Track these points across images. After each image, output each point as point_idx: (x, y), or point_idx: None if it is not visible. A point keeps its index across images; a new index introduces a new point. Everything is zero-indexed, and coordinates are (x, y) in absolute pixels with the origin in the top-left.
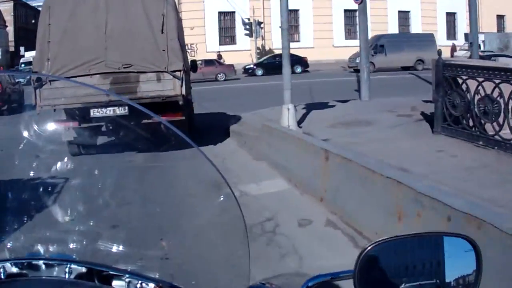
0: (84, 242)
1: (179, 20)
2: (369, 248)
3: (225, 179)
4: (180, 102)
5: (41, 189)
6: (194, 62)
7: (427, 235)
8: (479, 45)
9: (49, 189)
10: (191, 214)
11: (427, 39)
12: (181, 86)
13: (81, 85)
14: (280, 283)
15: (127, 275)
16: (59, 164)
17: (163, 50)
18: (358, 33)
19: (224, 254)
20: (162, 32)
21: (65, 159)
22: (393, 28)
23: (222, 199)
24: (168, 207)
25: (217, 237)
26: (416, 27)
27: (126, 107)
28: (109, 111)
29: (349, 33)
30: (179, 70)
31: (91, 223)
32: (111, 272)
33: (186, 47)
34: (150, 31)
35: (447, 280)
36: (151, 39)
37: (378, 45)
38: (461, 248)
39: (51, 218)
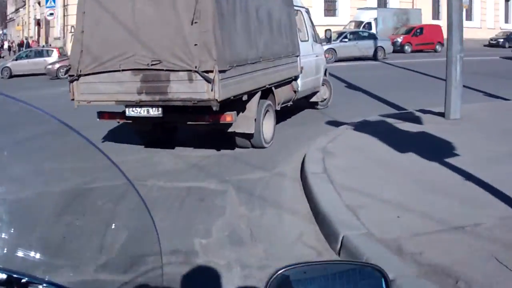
0: (4, 249)
1: (223, 5)
2: (278, 273)
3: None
4: (214, 108)
5: None
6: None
7: (339, 263)
8: None
9: None
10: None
11: None
12: (212, 90)
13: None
14: None
15: (44, 284)
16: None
17: (195, 45)
18: (338, 11)
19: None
20: (194, 23)
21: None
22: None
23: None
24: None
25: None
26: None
27: (160, 109)
28: (143, 111)
29: (329, 11)
30: (211, 71)
31: (12, 230)
32: (28, 280)
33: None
34: (180, 21)
35: None
36: (181, 31)
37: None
38: (372, 277)
39: None
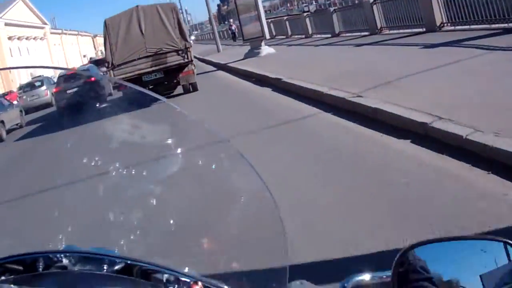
0: (123, 236)
1: (181, 20)
2: (408, 249)
3: (249, 162)
4: (192, 66)
5: (79, 181)
6: None
7: (473, 237)
8: None
9: (89, 180)
10: (225, 203)
11: None
12: (191, 56)
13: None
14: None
15: (166, 271)
16: (98, 155)
17: (177, 38)
18: None
19: (261, 240)
20: (175, 28)
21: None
22: None
23: (248, 181)
24: (205, 198)
25: (251, 224)
26: None
27: (162, 72)
28: (153, 76)
29: None
30: (189, 48)
31: (130, 216)
32: (150, 268)
33: None
34: (168, 29)
35: None
36: (169, 33)
37: None
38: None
39: (89, 210)
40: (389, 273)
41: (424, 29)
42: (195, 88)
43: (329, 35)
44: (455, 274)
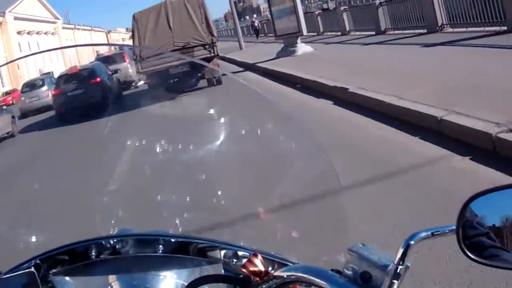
0: (176, 215)
1: (208, 15)
2: (473, 199)
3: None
4: (217, 59)
5: (127, 166)
6: None
7: None
8: None
9: (140, 163)
10: (288, 177)
11: None
12: (217, 50)
13: (162, 52)
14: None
15: (222, 245)
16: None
17: (204, 32)
18: None
19: (321, 215)
20: (202, 23)
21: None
22: None
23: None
24: (263, 170)
25: (312, 197)
26: None
27: (189, 66)
28: (179, 69)
29: None
30: (215, 42)
31: (180, 195)
32: (205, 244)
33: None
34: (195, 23)
35: None
36: (197, 27)
37: None
38: None
39: (138, 193)
40: (453, 227)
41: None
42: (219, 82)
43: (373, 33)
44: None
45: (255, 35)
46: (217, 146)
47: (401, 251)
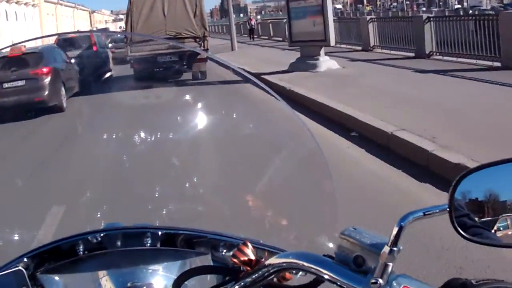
0: (162, 207)
1: (203, 8)
2: (464, 177)
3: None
4: (206, 55)
5: (112, 157)
6: None
7: None
8: None
9: (122, 156)
10: (274, 162)
11: None
12: (207, 45)
13: (151, 38)
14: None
15: (210, 236)
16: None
17: (197, 25)
18: None
19: (310, 201)
20: (196, 15)
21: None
22: None
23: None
24: (248, 156)
25: (301, 185)
26: None
27: (177, 56)
28: (167, 58)
29: None
30: (206, 36)
31: (167, 186)
32: (192, 234)
33: None
34: (189, 15)
35: None
36: (190, 19)
37: None
38: None
39: (125, 186)
40: (444, 207)
41: None
42: (204, 76)
43: (412, 54)
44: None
45: (247, 35)
46: (197, 133)
47: (394, 233)
